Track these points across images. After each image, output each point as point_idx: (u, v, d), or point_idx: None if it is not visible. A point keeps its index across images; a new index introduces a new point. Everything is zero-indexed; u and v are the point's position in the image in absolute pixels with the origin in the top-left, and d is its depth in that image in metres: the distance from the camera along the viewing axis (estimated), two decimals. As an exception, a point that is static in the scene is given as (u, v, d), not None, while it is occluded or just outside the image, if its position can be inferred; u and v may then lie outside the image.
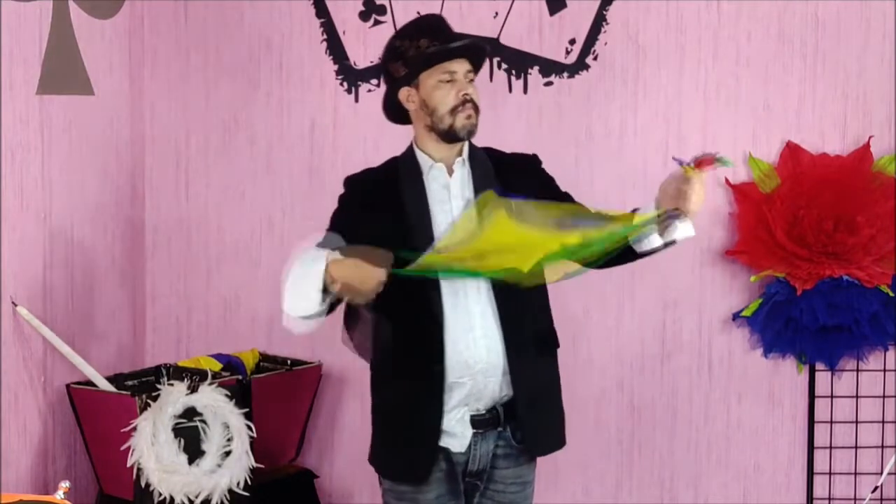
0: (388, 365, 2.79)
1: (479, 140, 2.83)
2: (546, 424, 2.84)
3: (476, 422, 2.74)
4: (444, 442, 2.75)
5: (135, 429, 3.29)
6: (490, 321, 2.72)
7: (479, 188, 2.74)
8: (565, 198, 2.84)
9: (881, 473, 3.86)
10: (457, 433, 2.74)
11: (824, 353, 3.94)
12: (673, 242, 2.64)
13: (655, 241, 2.63)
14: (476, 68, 2.82)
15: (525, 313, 2.76)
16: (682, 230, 2.62)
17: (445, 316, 2.70)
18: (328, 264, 2.55)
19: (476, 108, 2.75)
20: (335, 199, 2.84)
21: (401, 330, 2.71)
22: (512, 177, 2.77)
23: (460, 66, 2.74)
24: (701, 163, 2.53)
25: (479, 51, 2.82)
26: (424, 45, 2.73)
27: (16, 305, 3.27)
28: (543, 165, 2.90)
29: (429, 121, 2.76)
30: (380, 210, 2.75)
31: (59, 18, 3.47)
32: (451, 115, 2.73)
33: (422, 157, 2.79)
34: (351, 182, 2.87)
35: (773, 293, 3.89)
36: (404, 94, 2.78)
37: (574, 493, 4.09)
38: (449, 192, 2.77)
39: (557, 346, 2.89)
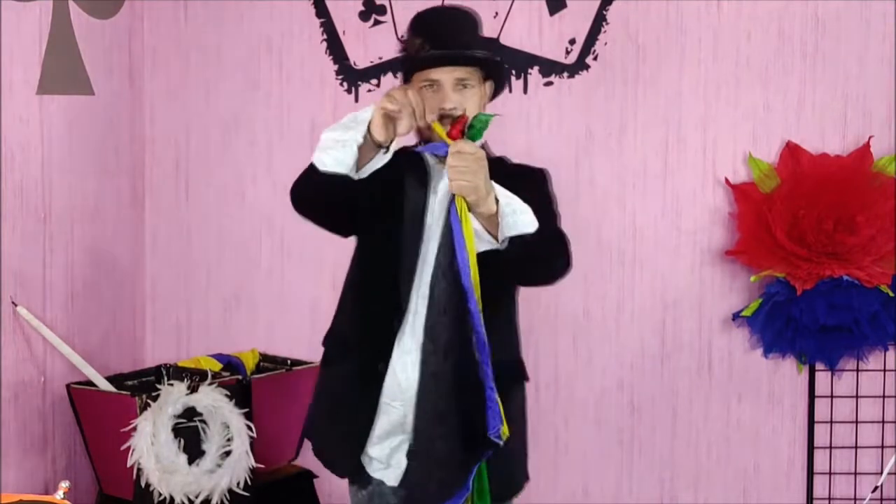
0: (341, 342, 2.69)
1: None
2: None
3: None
4: (379, 474, 2.63)
5: (135, 429, 3.29)
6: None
7: None
8: (548, 220, 2.54)
9: (881, 473, 3.85)
10: (391, 463, 2.61)
11: (824, 353, 3.94)
12: (514, 238, 2.41)
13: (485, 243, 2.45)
14: (491, 75, 2.59)
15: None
16: (510, 226, 2.39)
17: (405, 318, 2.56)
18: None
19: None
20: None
21: (358, 311, 2.63)
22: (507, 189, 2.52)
23: (447, 75, 2.50)
24: (451, 129, 2.40)
25: (483, 62, 2.56)
26: (417, 44, 2.52)
27: (16, 305, 3.27)
28: (550, 182, 2.66)
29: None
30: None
31: (59, 18, 3.47)
32: (428, 129, 2.50)
33: (428, 156, 2.61)
34: None
35: (773, 293, 3.89)
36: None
37: (574, 493, 4.08)
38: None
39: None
